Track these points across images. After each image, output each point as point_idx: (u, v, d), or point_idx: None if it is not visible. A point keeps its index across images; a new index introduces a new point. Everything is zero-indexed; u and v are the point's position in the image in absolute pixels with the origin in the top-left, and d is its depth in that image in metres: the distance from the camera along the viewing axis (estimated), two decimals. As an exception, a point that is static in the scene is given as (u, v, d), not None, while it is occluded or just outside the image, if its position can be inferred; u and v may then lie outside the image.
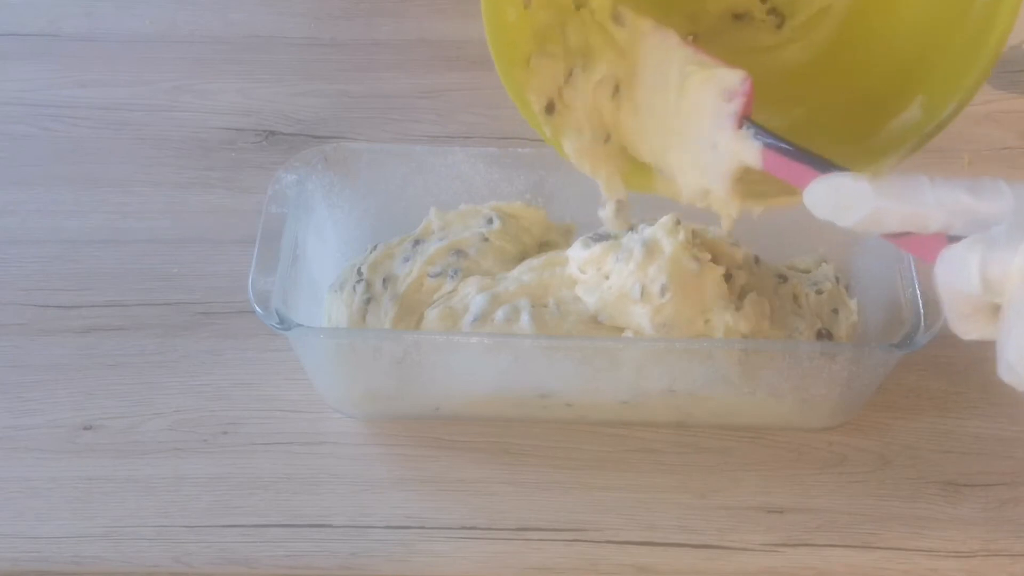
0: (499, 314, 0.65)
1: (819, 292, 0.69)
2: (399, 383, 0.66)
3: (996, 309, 0.43)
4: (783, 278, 0.70)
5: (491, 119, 0.88)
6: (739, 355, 0.63)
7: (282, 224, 0.67)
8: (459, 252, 0.69)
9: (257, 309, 0.62)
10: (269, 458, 0.66)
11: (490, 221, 0.71)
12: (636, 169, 0.57)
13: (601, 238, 0.66)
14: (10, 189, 0.82)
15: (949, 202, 0.44)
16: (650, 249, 0.64)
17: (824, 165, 0.48)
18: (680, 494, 0.65)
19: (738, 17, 0.61)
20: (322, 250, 0.70)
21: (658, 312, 0.63)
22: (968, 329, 0.44)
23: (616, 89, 0.56)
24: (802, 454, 0.67)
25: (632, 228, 0.66)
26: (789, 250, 0.72)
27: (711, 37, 0.60)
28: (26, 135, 0.87)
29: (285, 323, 0.62)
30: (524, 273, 0.67)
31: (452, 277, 0.68)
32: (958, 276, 0.43)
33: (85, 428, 0.68)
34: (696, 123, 0.53)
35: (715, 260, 0.65)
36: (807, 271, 0.71)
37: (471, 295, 0.66)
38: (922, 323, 0.62)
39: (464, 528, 0.63)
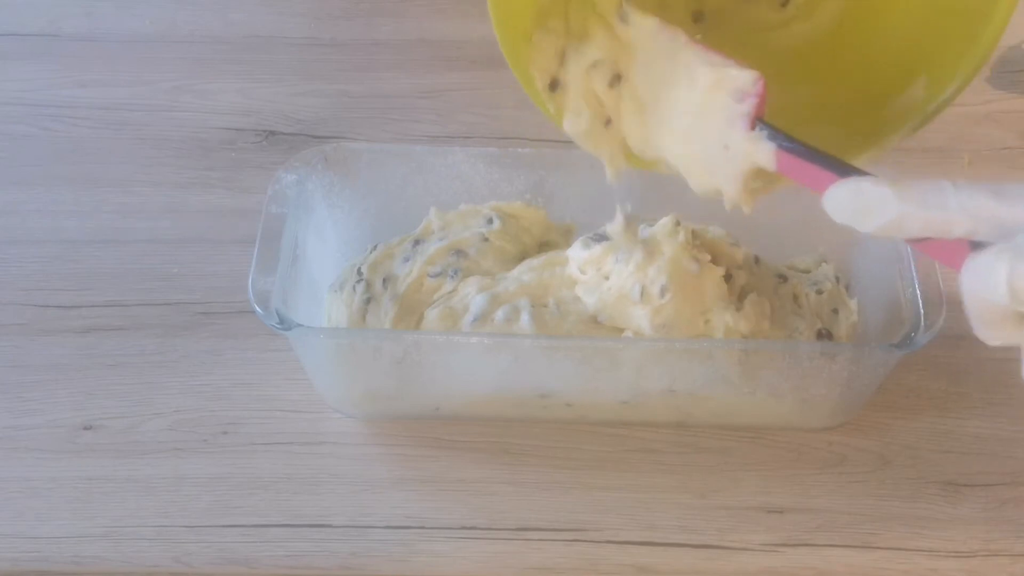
0: (499, 314, 0.65)
1: (819, 292, 0.69)
2: (399, 383, 0.66)
3: (1023, 317, 0.42)
4: (783, 278, 0.70)
5: (491, 119, 0.88)
6: (739, 355, 0.63)
7: (282, 224, 0.67)
8: (459, 252, 0.69)
9: (257, 309, 0.62)
10: (269, 458, 0.66)
11: (490, 221, 0.71)
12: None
13: (601, 238, 0.66)
14: (10, 189, 0.82)
15: (972, 207, 0.43)
16: (650, 250, 0.64)
17: (840, 167, 0.47)
18: (680, 494, 0.65)
19: None
20: (322, 250, 0.70)
21: (658, 313, 0.63)
22: (993, 335, 0.44)
23: (617, 79, 0.55)
24: (802, 454, 0.67)
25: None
26: (789, 250, 0.72)
27: (716, 16, 0.60)
28: (26, 135, 0.87)
29: (285, 323, 0.62)
30: (524, 273, 0.67)
31: (452, 277, 0.68)
32: (985, 285, 0.42)
33: (85, 428, 0.68)
34: (706, 123, 0.53)
35: (715, 260, 0.65)
36: (807, 271, 0.71)
37: (471, 295, 0.66)
38: (922, 323, 0.62)
39: (464, 528, 0.63)
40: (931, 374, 0.70)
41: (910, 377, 0.70)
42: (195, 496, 0.65)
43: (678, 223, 0.65)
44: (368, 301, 0.68)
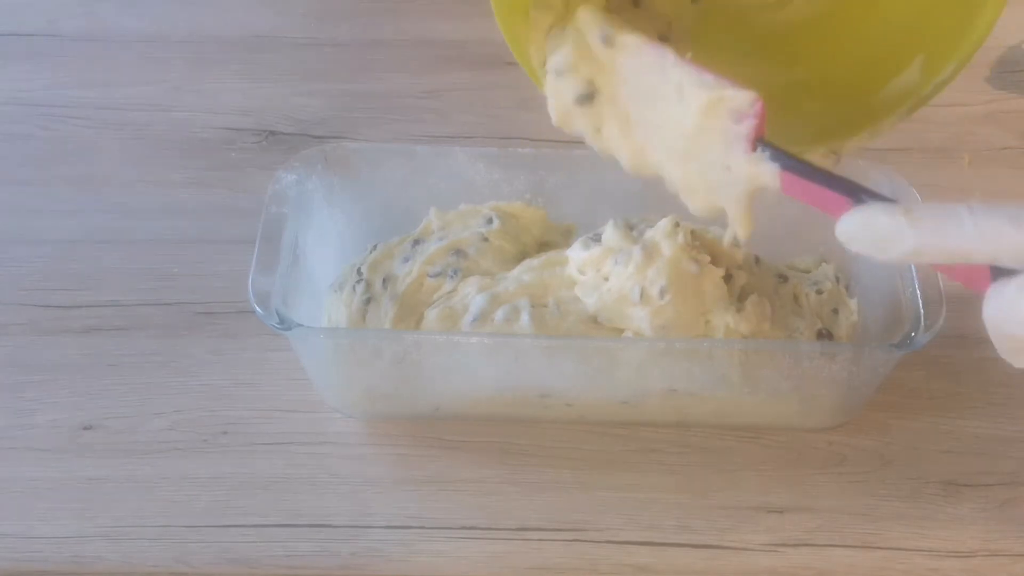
0: (499, 314, 0.65)
1: (819, 292, 0.69)
2: (399, 383, 0.66)
3: None
4: (783, 278, 0.70)
5: (491, 119, 0.88)
6: (739, 355, 0.63)
7: (282, 224, 0.67)
8: (459, 252, 0.69)
9: (257, 309, 0.62)
10: (269, 458, 0.66)
11: (490, 221, 0.71)
12: None
13: (601, 239, 0.66)
14: (10, 189, 0.82)
15: (991, 235, 0.41)
16: (649, 251, 0.64)
17: (848, 188, 0.46)
18: (680, 494, 0.65)
19: None
20: (322, 250, 0.70)
21: (658, 314, 0.63)
22: (1019, 360, 0.43)
23: (591, 98, 0.54)
24: (802, 454, 0.67)
25: (632, 228, 0.67)
26: (789, 250, 0.72)
27: None
28: (26, 135, 0.87)
29: (285, 323, 0.62)
30: (524, 273, 0.67)
31: (452, 277, 0.68)
32: (1008, 319, 0.42)
33: (85, 428, 0.68)
34: (704, 145, 0.51)
35: (715, 261, 0.65)
36: (807, 271, 0.71)
37: (471, 295, 0.66)
38: (922, 323, 0.62)
39: (464, 528, 0.63)
40: (931, 374, 0.70)
41: (910, 377, 0.70)
42: (195, 496, 0.65)
43: (677, 224, 0.65)
44: (368, 301, 0.68)
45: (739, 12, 0.60)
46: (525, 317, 0.64)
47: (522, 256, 0.70)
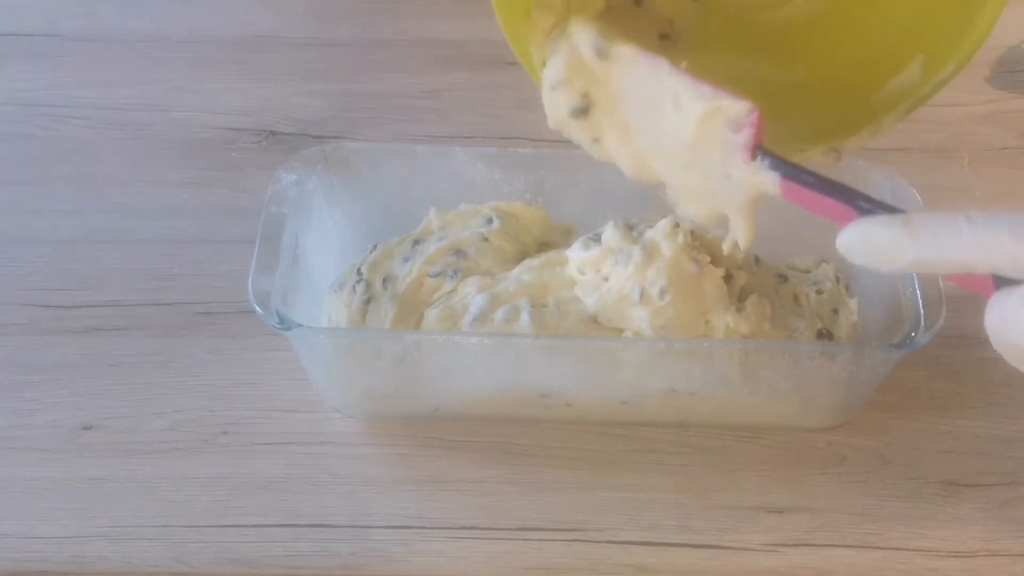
0: (499, 314, 0.65)
1: (819, 292, 0.69)
2: (399, 383, 0.66)
3: None
4: (783, 278, 0.70)
5: (491, 119, 0.88)
6: (739, 355, 0.63)
7: (282, 224, 0.67)
8: (459, 252, 0.69)
9: (257, 309, 0.62)
10: (269, 458, 0.66)
11: (490, 221, 0.71)
12: None
13: (601, 239, 0.66)
14: (10, 189, 0.82)
15: (990, 244, 0.41)
16: (649, 252, 0.64)
17: (847, 195, 0.46)
18: (680, 494, 0.65)
19: None
20: (322, 250, 0.70)
21: (658, 315, 0.63)
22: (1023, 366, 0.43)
23: (585, 111, 0.54)
24: (802, 454, 0.67)
25: (632, 229, 0.67)
26: (789, 250, 0.72)
27: None
28: (26, 135, 0.87)
29: (285, 323, 0.62)
30: (524, 273, 0.67)
31: (452, 277, 0.68)
32: (1010, 329, 0.42)
33: (85, 428, 0.68)
34: (703, 155, 0.51)
35: (715, 261, 0.65)
36: (807, 271, 0.71)
37: (471, 295, 0.66)
38: (922, 323, 0.62)
39: (464, 528, 0.63)
40: (931, 374, 0.70)
41: (910, 377, 0.70)
42: (195, 496, 0.65)
43: (677, 224, 0.65)
44: (368, 301, 0.68)
45: (739, 11, 0.60)
46: (525, 317, 0.64)
47: (522, 256, 0.70)
